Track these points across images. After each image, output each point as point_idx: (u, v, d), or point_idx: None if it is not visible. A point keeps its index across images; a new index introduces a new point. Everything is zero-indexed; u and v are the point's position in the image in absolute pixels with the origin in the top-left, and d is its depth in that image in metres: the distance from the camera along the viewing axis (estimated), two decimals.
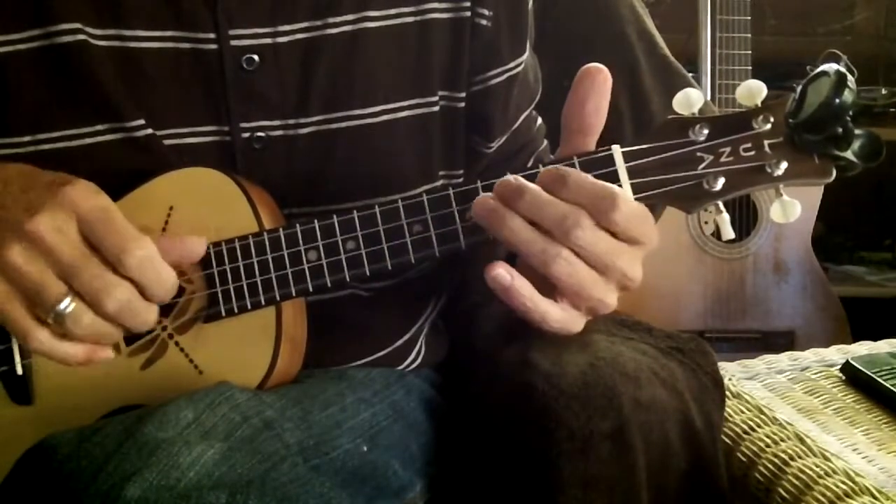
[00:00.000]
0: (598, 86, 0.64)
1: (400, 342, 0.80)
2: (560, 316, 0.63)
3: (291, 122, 0.72)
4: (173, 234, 0.67)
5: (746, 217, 1.75)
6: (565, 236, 0.60)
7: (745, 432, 0.82)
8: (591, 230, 0.60)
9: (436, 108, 0.75)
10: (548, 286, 0.63)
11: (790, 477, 0.75)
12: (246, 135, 0.72)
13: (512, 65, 0.78)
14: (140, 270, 0.62)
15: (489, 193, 0.63)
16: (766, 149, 0.63)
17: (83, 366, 0.64)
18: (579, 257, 0.61)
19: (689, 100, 0.63)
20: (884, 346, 0.99)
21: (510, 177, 0.62)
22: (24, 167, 0.66)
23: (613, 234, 0.61)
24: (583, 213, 0.60)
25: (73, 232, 0.61)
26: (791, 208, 0.63)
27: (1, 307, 0.62)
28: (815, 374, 0.94)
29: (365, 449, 0.69)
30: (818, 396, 0.89)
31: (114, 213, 0.62)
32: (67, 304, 0.61)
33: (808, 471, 0.75)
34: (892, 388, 0.87)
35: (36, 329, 0.62)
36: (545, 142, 0.88)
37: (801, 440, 0.79)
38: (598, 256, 0.61)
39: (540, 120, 0.88)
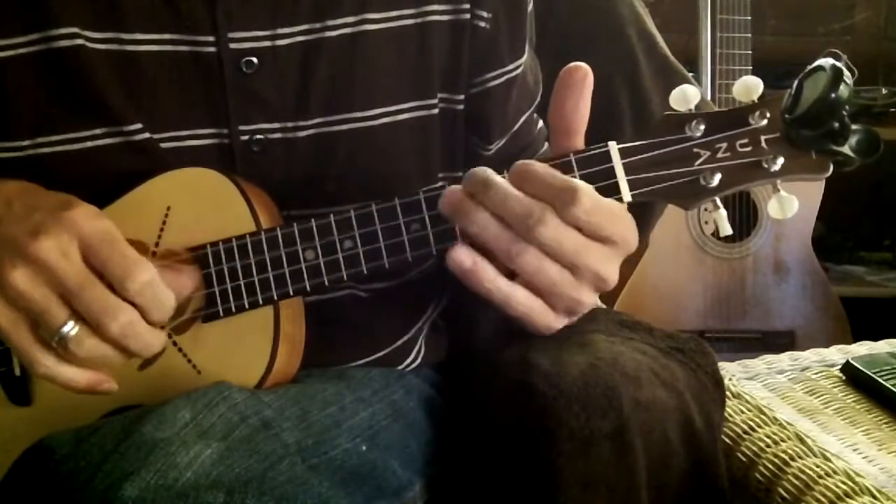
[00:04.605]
0: (575, 84, 0.64)
1: (400, 342, 0.80)
2: (525, 300, 0.62)
3: (290, 124, 0.72)
4: (169, 265, 0.67)
5: (746, 217, 1.75)
6: (529, 233, 0.60)
7: (746, 432, 0.82)
8: (556, 227, 0.60)
9: (435, 111, 0.75)
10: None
11: (790, 477, 0.75)
12: (245, 137, 0.72)
13: (511, 67, 0.78)
14: (141, 295, 0.62)
15: (458, 186, 0.62)
16: (763, 144, 0.63)
17: (86, 393, 0.65)
18: (546, 254, 0.61)
19: (686, 96, 0.63)
20: (884, 346, 0.99)
21: (478, 169, 0.62)
22: (25, 185, 0.67)
23: (579, 231, 0.60)
24: (548, 210, 0.60)
25: (77, 255, 0.61)
26: (788, 204, 0.63)
27: (7, 332, 0.62)
28: (816, 374, 0.94)
29: (364, 448, 0.69)
30: (818, 396, 0.89)
31: (117, 238, 0.63)
32: (71, 328, 0.61)
33: (808, 471, 0.74)
34: (892, 388, 0.87)
35: (41, 354, 0.63)
36: (546, 144, 0.88)
37: (802, 440, 0.78)
38: (564, 254, 0.60)
39: (542, 123, 0.88)
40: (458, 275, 0.62)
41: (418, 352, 0.81)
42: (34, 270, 0.61)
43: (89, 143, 0.69)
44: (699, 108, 0.64)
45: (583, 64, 0.64)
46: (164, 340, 0.65)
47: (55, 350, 0.63)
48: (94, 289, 0.61)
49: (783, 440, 0.79)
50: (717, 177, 0.63)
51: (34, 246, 0.60)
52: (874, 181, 2.20)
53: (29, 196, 0.65)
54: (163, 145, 0.70)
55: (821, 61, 0.60)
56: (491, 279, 0.62)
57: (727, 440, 0.82)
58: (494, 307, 0.63)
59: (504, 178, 0.62)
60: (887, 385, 0.87)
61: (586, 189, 0.60)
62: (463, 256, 0.62)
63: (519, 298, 0.62)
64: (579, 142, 0.65)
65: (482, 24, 0.75)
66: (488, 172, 0.61)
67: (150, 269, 0.62)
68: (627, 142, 0.64)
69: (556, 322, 0.64)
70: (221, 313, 0.68)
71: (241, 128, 0.71)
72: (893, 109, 1.95)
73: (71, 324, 0.61)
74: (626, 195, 0.63)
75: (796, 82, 0.61)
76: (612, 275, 0.62)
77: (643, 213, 0.65)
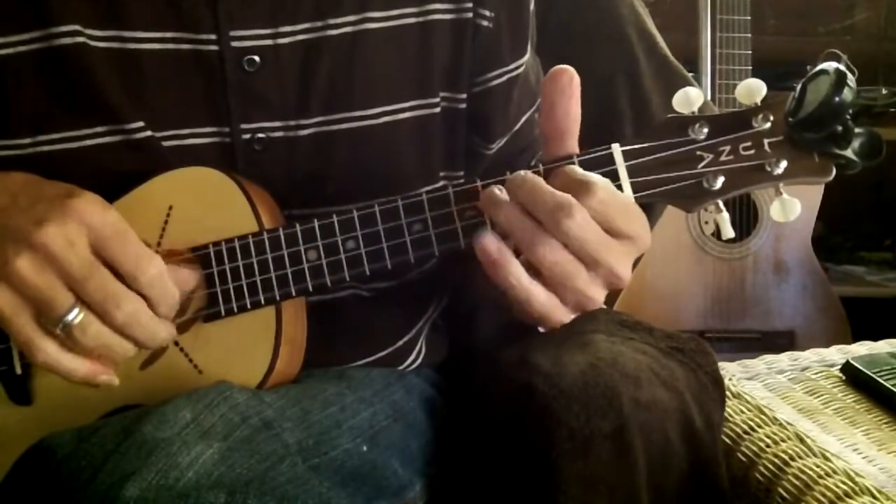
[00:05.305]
0: (561, 89, 0.64)
1: (401, 342, 0.80)
2: (545, 299, 0.63)
3: (292, 123, 0.72)
4: (170, 264, 0.67)
5: (747, 217, 1.75)
6: (556, 225, 0.60)
7: (746, 432, 0.82)
8: (583, 223, 0.60)
9: (437, 110, 0.75)
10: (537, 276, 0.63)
11: (790, 477, 0.75)
12: (246, 136, 0.71)
13: (512, 66, 0.78)
14: (151, 287, 0.63)
15: (498, 186, 0.63)
16: (766, 147, 0.63)
17: (86, 384, 0.64)
18: (567, 247, 0.61)
19: (689, 98, 0.63)
20: (884, 346, 0.99)
21: (520, 171, 0.63)
22: (29, 177, 0.66)
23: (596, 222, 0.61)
24: (577, 206, 0.60)
25: (83, 244, 0.61)
26: (791, 207, 0.63)
27: (8, 318, 0.62)
28: (816, 374, 0.94)
29: (364, 449, 0.69)
30: (818, 396, 0.89)
31: (127, 230, 0.63)
32: (76, 315, 0.61)
33: (808, 471, 0.74)
34: (892, 388, 0.87)
35: (42, 341, 0.62)
36: None
37: (802, 440, 0.78)
38: (587, 248, 0.61)
39: None
40: (483, 264, 0.63)
41: (419, 352, 0.81)
42: (39, 258, 0.61)
43: (90, 142, 0.69)
44: (702, 110, 0.64)
45: (567, 67, 0.64)
46: (171, 331, 0.65)
47: (58, 338, 0.62)
48: (100, 277, 0.61)
49: (783, 440, 0.79)
50: (720, 180, 0.63)
51: (39, 234, 0.61)
52: (874, 181, 2.21)
53: (33, 187, 0.65)
54: (164, 144, 0.70)
55: (824, 65, 0.60)
56: (515, 272, 0.62)
57: (727, 440, 0.82)
58: (510, 303, 0.63)
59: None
60: (887, 385, 0.87)
61: (602, 182, 0.61)
62: (490, 245, 0.62)
63: (540, 297, 0.63)
64: (573, 145, 0.65)
65: (485, 23, 0.75)
66: (527, 172, 0.62)
67: (160, 262, 0.63)
68: (629, 142, 0.64)
69: (566, 318, 0.65)
70: (223, 313, 0.67)
71: (243, 126, 0.71)
72: (894, 109, 1.95)
73: (76, 311, 0.61)
74: (630, 197, 0.63)
75: (799, 85, 0.61)
76: (626, 272, 0.63)
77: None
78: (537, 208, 0.61)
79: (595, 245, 0.61)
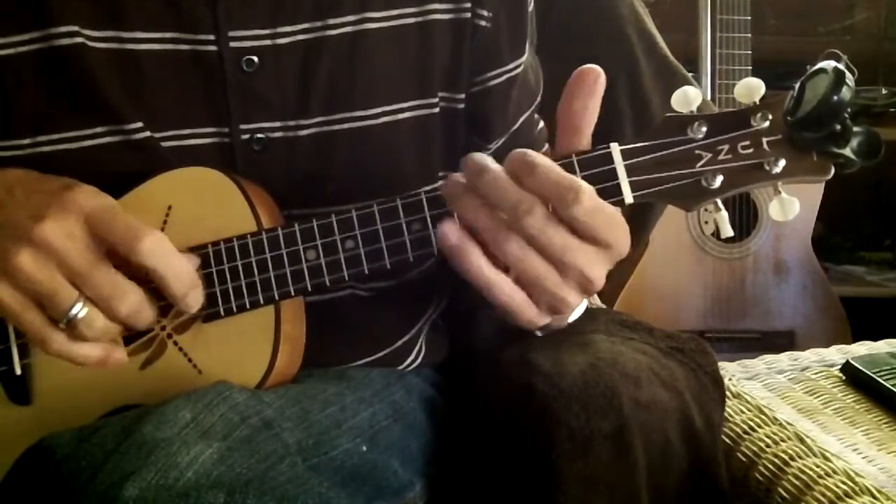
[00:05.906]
0: (586, 85, 0.64)
1: (400, 342, 0.80)
2: (509, 290, 0.61)
3: (291, 123, 0.72)
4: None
5: (746, 217, 1.75)
6: (518, 222, 0.59)
7: (746, 432, 0.82)
8: (546, 221, 0.59)
9: (436, 110, 0.75)
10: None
11: (790, 477, 0.75)
12: (246, 136, 0.72)
13: (511, 66, 0.78)
14: (153, 257, 0.62)
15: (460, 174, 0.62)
16: (765, 146, 0.63)
17: (99, 368, 0.65)
18: (532, 247, 0.60)
19: (687, 97, 0.63)
20: (884, 346, 0.99)
21: (477, 154, 0.61)
22: (26, 173, 0.66)
23: (574, 231, 0.60)
24: (538, 203, 0.59)
25: (82, 236, 0.62)
26: (789, 206, 0.63)
27: (17, 315, 0.62)
28: (816, 374, 0.94)
29: (364, 449, 0.69)
30: (818, 396, 0.89)
31: (115, 207, 0.63)
32: (80, 309, 0.62)
33: (808, 471, 0.75)
34: (892, 388, 0.87)
35: (53, 333, 0.63)
36: (546, 145, 0.88)
37: (802, 440, 0.79)
38: (551, 249, 0.60)
39: (542, 123, 0.88)
40: (444, 252, 0.62)
41: (419, 352, 0.82)
42: (40, 253, 0.61)
43: (90, 142, 0.69)
44: (701, 109, 0.64)
45: (595, 66, 0.64)
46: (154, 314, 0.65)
47: (64, 330, 0.63)
48: (102, 270, 0.62)
49: (783, 440, 0.79)
50: (719, 179, 0.62)
51: (39, 229, 0.61)
52: (874, 181, 2.21)
53: (30, 182, 0.65)
54: (164, 144, 0.70)
55: (823, 64, 0.60)
56: (475, 261, 0.61)
57: (727, 440, 0.82)
58: (480, 293, 0.62)
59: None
60: (887, 385, 0.88)
61: (588, 190, 0.60)
62: (450, 232, 0.61)
63: (502, 287, 0.61)
64: (585, 141, 0.65)
65: (483, 22, 0.75)
66: (485, 159, 0.61)
67: (159, 233, 0.63)
68: (628, 142, 0.64)
69: (539, 319, 0.63)
70: (222, 313, 0.68)
71: (242, 126, 0.71)
72: (893, 109, 1.95)
73: (79, 305, 0.61)
74: (628, 196, 0.63)
75: (798, 84, 0.61)
76: (598, 278, 0.61)
77: (643, 213, 0.65)
78: (498, 200, 0.60)
79: (561, 246, 0.60)
